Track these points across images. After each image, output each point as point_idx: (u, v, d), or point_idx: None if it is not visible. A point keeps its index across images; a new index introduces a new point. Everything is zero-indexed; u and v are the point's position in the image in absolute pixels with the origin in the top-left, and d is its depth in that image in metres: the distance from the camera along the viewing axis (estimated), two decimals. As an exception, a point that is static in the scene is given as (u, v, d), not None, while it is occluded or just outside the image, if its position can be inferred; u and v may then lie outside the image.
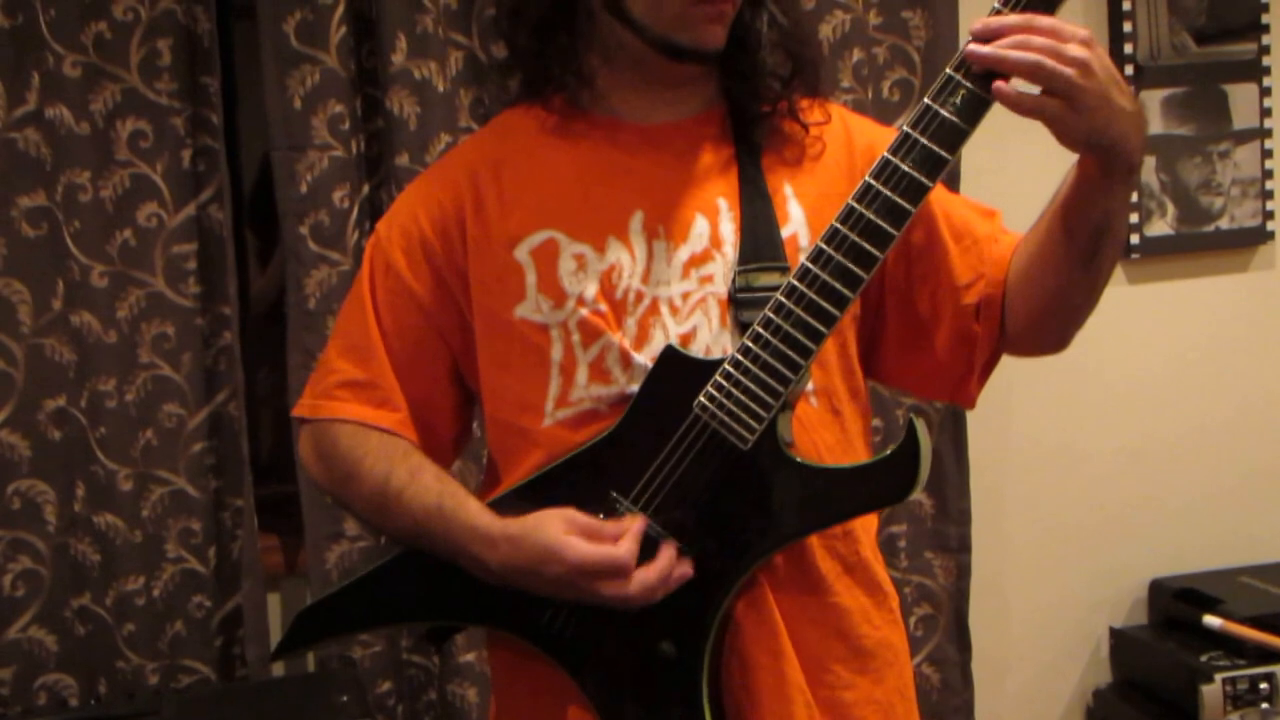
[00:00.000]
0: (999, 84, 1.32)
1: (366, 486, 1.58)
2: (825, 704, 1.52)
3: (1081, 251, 1.45)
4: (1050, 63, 1.29)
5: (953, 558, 2.84)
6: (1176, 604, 2.87)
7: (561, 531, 1.44)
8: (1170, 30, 2.95)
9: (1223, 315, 3.06)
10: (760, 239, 1.51)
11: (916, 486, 1.42)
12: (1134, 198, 2.94)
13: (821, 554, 1.53)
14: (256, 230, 2.81)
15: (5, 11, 2.41)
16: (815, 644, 1.53)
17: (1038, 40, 1.30)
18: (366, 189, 2.57)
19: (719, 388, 1.43)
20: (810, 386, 1.52)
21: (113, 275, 2.49)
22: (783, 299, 1.41)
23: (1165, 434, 3.04)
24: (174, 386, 2.53)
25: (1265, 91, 3.00)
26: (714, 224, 1.52)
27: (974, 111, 1.35)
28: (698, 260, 1.51)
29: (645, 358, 1.49)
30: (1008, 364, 1.60)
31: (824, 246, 1.40)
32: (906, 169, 1.37)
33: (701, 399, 1.44)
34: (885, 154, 1.38)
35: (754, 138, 1.56)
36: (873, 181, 1.38)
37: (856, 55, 2.69)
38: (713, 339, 1.50)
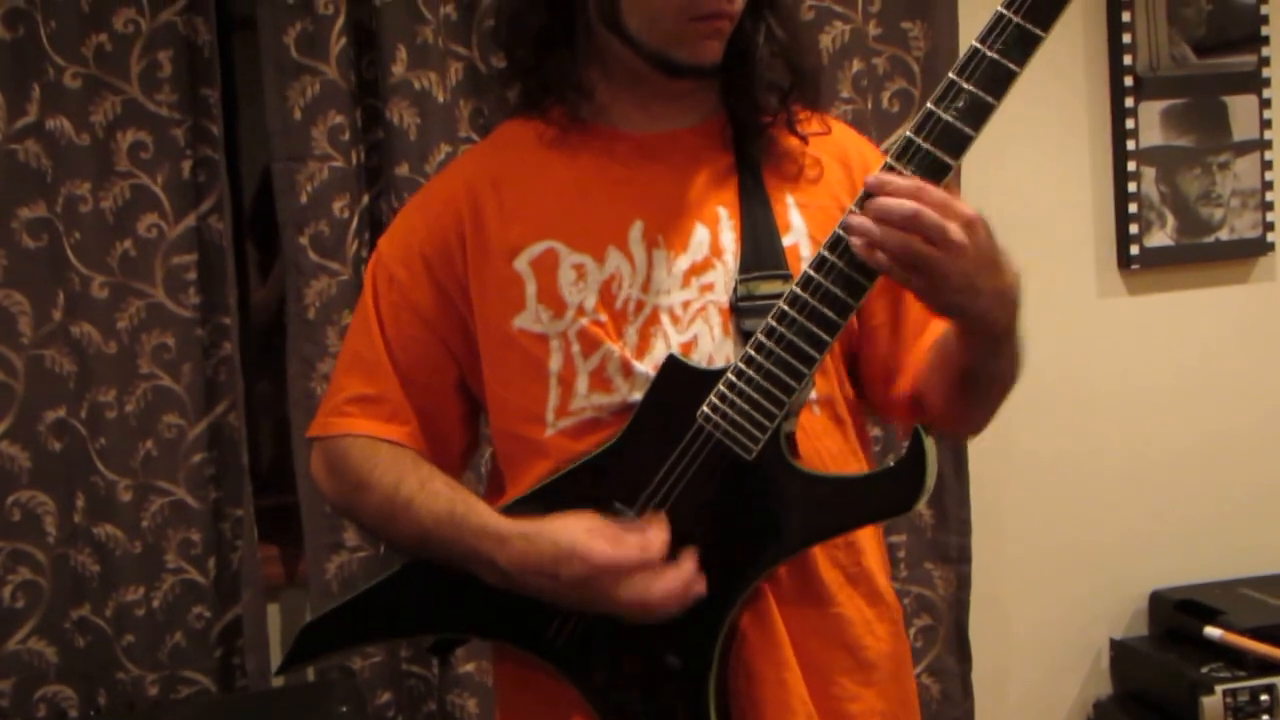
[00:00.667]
0: (876, 254, 1.32)
1: (376, 496, 1.58)
2: (829, 715, 1.52)
3: (956, 383, 1.48)
4: (918, 246, 1.30)
5: (953, 568, 2.84)
6: (1177, 615, 2.87)
7: (584, 531, 1.43)
8: (1170, 42, 2.95)
9: (1223, 326, 3.06)
10: (761, 247, 1.51)
11: (923, 496, 1.42)
12: (1134, 209, 2.95)
13: (825, 564, 1.53)
14: (257, 241, 2.81)
15: (6, 24, 2.41)
16: (819, 655, 1.52)
17: (924, 217, 1.29)
18: (366, 199, 2.57)
19: (722, 397, 1.43)
20: (813, 395, 1.52)
21: (113, 286, 2.49)
22: (786, 307, 1.41)
23: (1166, 444, 3.04)
24: (174, 397, 2.53)
25: (1265, 103, 3.00)
26: (714, 233, 1.52)
27: (978, 115, 1.33)
28: (698, 269, 1.51)
29: (647, 366, 1.49)
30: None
31: (827, 254, 1.39)
32: (909, 174, 1.37)
33: (704, 409, 1.44)
34: (888, 159, 1.37)
35: (753, 148, 1.56)
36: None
37: (856, 66, 2.69)
38: (714, 347, 1.50)
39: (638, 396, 1.49)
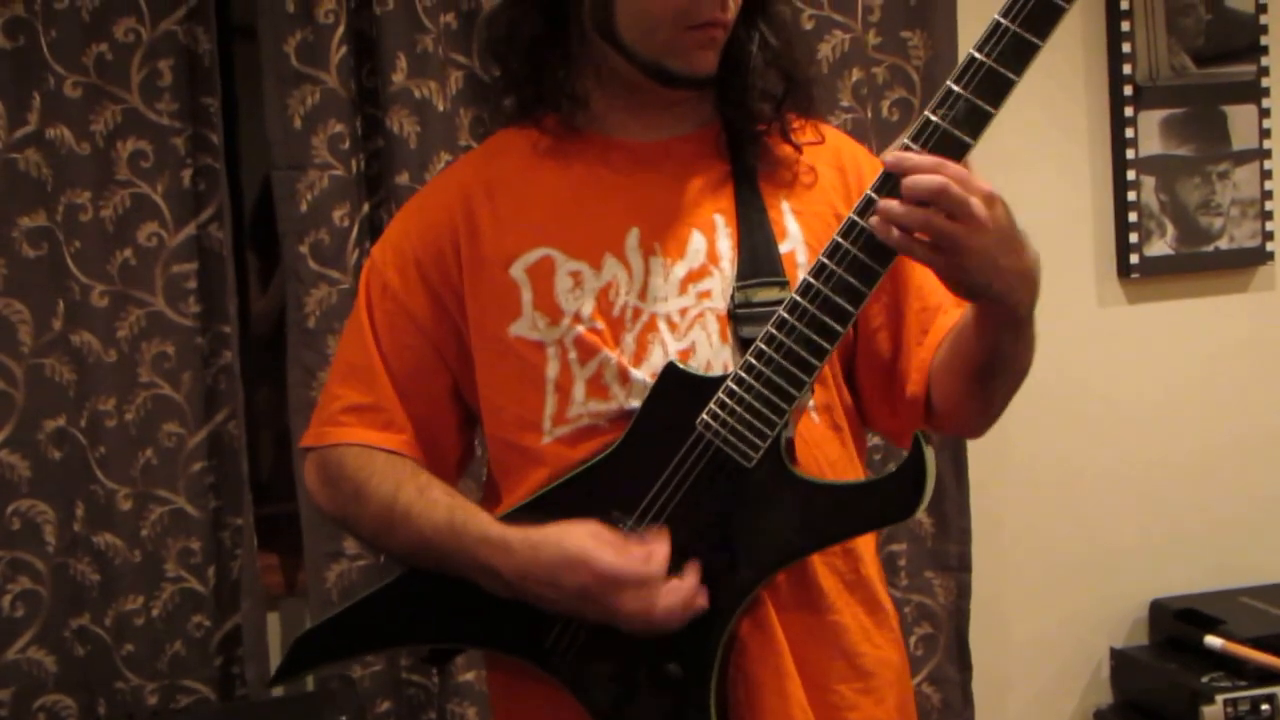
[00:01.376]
0: (894, 232, 1.32)
1: (373, 505, 1.57)
2: (828, 723, 1.52)
3: (973, 374, 1.48)
4: (941, 222, 1.30)
5: (953, 577, 2.84)
6: (1177, 624, 2.87)
7: (590, 538, 1.43)
8: (1169, 51, 2.95)
9: (1222, 335, 3.06)
10: (759, 254, 1.51)
11: (922, 504, 1.42)
12: (1134, 218, 2.95)
13: (823, 572, 1.53)
14: (257, 249, 2.81)
15: (7, 33, 2.42)
16: (818, 663, 1.52)
17: (951, 191, 1.29)
18: (366, 208, 2.57)
19: (722, 405, 1.43)
20: (811, 402, 1.52)
21: (113, 295, 2.49)
22: (785, 315, 1.41)
23: (1166, 453, 3.04)
24: (174, 406, 2.53)
25: (1264, 112, 3.01)
26: (711, 240, 1.52)
27: (976, 121, 1.33)
28: (695, 276, 1.51)
29: (644, 374, 1.49)
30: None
31: (826, 261, 1.39)
32: None
33: (704, 416, 1.44)
34: (886, 168, 1.38)
35: (749, 156, 1.56)
36: (874, 195, 1.37)
37: (856, 75, 2.69)
38: (713, 354, 1.50)
39: (635, 404, 1.49)
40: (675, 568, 1.44)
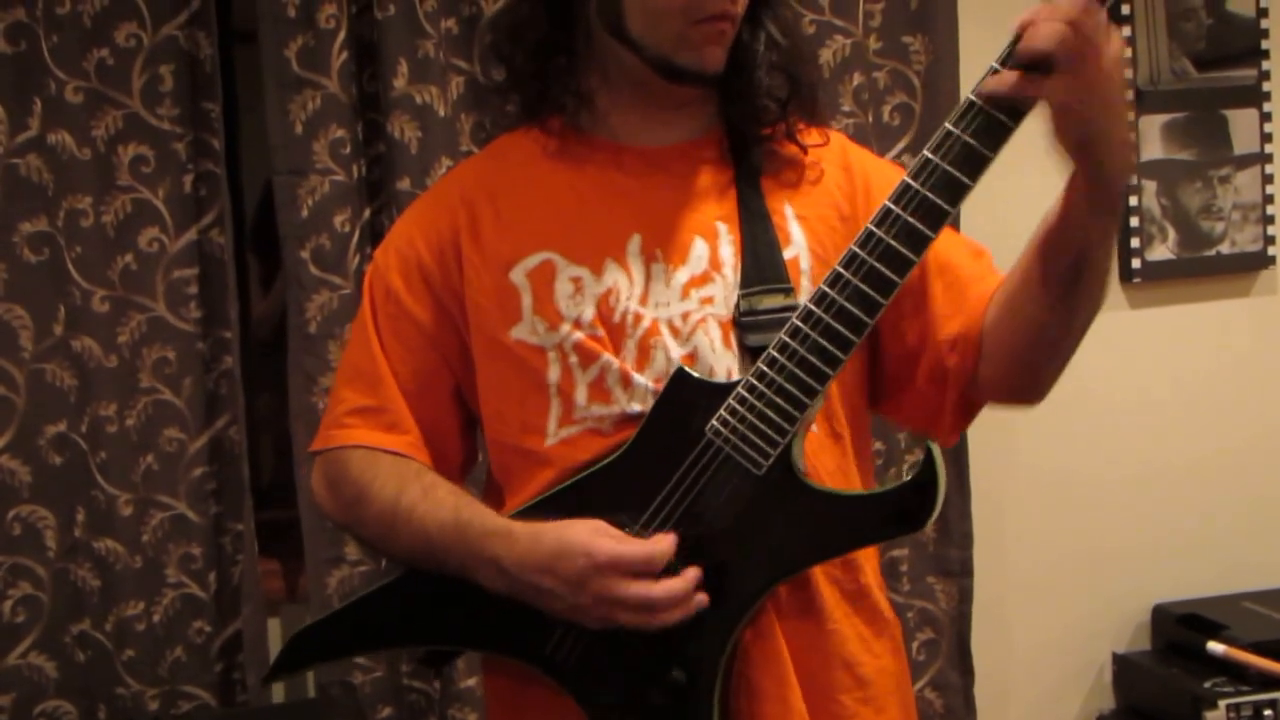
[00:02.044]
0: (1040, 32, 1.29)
1: (376, 506, 1.57)
2: (829, 733, 1.52)
3: (1060, 285, 1.43)
4: (1088, 47, 1.27)
5: (955, 582, 2.83)
6: (1180, 629, 2.86)
7: (589, 530, 1.42)
8: (1170, 56, 2.95)
9: (1224, 340, 3.06)
10: (762, 261, 1.50)
11: (933, 515, 1.41)
12: (1135, 222, 2.95)
13: (823, 581, 1.52)
14: (258, 255, 2.81)
15: (8, 38, 2.42)
16: (819, 672, 1.52)
17: (1084, 24, 1.27)
18: (367, 213, 2.57)
19: (733, 411, 1.43)
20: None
21: (114, 300, 2.49)
22: (799, 323, 1.40)
23: (1168, 458, 3.04)
24: (175, 411, 2.52)
25: (1266, 117, 3.01)
26: (713, 246, 1.52)
27: (996, 136, 1.34)
28: (697, 281, 1.51)
29: (647, 378, 1.49)
30: (1010, 387, 1.60)
31: (842, 271, 1.39)
32: (926, 193, 1.36)
33: (715, 423, 1.44)
34: (905, 178, 1.37)
35: (752, 160, 1.56)
36: (892, 206, 1.37)
37: (857, 80, 2.69)
38: (715, 360, 1.49)
39: (638, 408, 1.48)
40: (679, 572, 1.43)
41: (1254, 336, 3.07)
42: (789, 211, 1.55)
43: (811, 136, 1.59)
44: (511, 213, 1.56)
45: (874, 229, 1.38)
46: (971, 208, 2.64)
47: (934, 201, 1.37)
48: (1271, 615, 2.83)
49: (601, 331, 1.50)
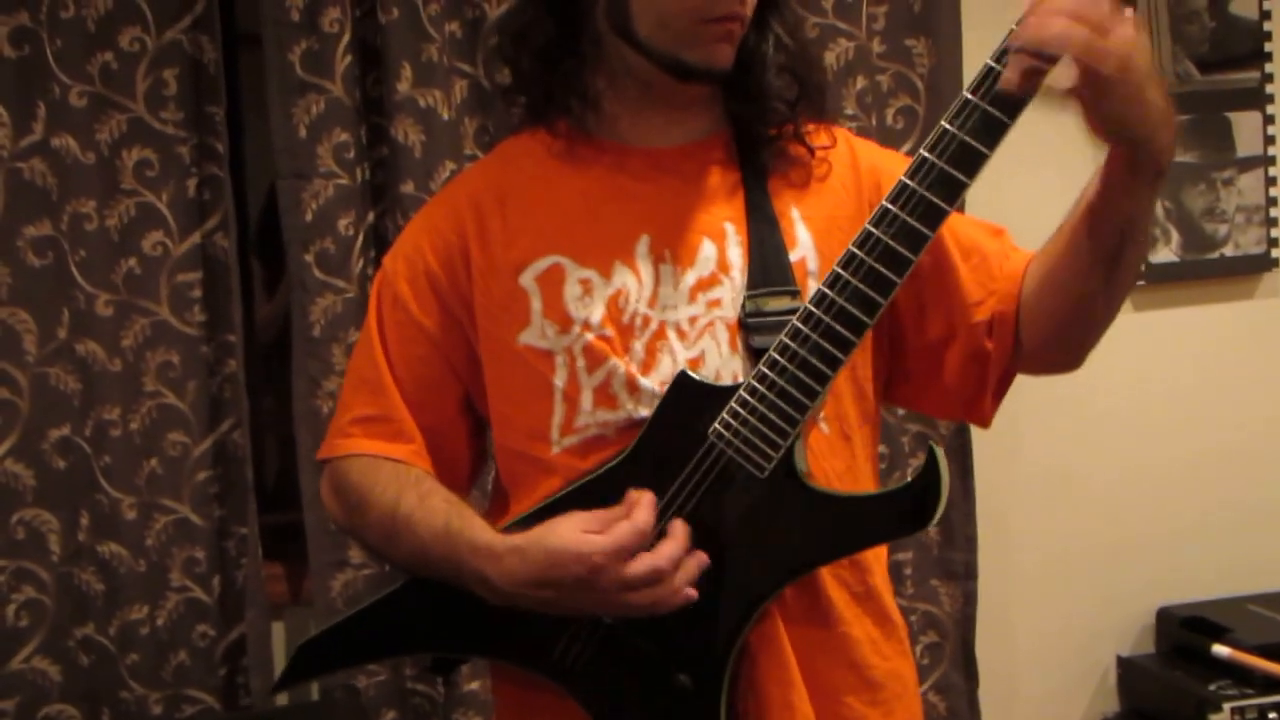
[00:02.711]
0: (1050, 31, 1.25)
1: (376, 513, 1.56)
2: (835, 736, 1.52)
3: (1105, 254, 1.42)
4: (1099, 42, 1.24)
5: (959, 585, 2.83)
6: (1184, 632, 2.86)
7: (572, 530, 1.40)
8: (1174, 58, 2.95)
9: (1227, 342, 3.06)
10: (769, 263, 1.50)
11: (935, 517, 1.40)
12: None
13: (831, 584, 1.52)
14: (262, 258, 2.81)
15: (12, 42, 2.42)
16: (825, 675, 1.51)
17: (1090, 15, 1.24)
18: (371, 217, 2.57)
19: (735, 415, 1.42)
20: (821, 413, 1.51)
21: (118, 304, 2.49)
22: (800, 325, 1.40)
23: (1172, 460, 3.03)
24: (178, 415, 2.53)
25: (1269, 119, 3.01)
26: (721, 248, 1.52)
27: (993, 133, 1.33)
28: (705, 284, 1.51)
29: (653, 382, 1.48)
30: (1013, 390, 1.59)
31: (841, 271, 1.39)
32: (924, 192, 1.36)
33: (717, 426, 1.43)
34: (902, 178, 1.37)
35: (760, 161, 1.55)
36: (890, 205, 1.37)
37: (860, 83, 2.69)
38: (722, 363, 1.49)
39: (644, 413, 1.48)
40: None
41: (1258, 339, 3.07)
42: (795, 213, 1.54)
43: (819, 138, 1.59)
44: (519, 217, 1.56)
45: (872, 229, 1.38)
46: (971, 208, 2.65)
47: (932, 200, 1.36)
48: (1276, 618, 2.83)
49: (611, 332, 1.50)
